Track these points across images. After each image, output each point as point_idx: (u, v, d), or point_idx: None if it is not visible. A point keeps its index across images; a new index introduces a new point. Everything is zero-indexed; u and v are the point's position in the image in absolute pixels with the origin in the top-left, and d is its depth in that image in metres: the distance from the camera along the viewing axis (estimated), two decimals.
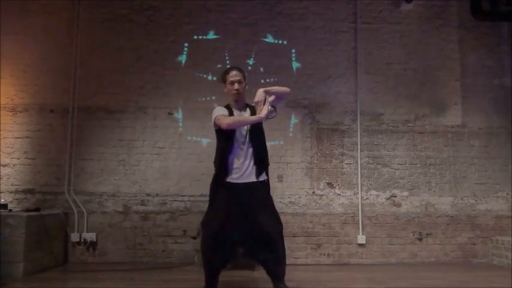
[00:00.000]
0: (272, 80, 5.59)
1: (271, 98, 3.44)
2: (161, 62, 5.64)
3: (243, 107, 3.59)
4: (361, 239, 5.44)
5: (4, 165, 5.42)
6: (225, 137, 3.47)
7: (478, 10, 5.70)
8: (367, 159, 5.63)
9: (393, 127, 5.70)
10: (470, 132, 5.74)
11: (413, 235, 5.51)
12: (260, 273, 4.66)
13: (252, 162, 3.47)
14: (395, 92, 5.76)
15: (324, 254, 5.42)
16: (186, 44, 5.64)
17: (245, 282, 4.34)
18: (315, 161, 5.59)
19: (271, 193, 3.62)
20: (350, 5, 5.84)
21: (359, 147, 5.62)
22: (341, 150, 5.63)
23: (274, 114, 3.46)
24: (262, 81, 5.53)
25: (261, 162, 3.51)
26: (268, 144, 3.69)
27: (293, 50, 5.69)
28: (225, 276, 4.59)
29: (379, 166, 5.63)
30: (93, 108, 5.55)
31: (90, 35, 5.64)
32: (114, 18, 5.67)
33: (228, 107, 3.56)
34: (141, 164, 5.50)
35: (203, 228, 3.54)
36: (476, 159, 5.70)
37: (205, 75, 5.64)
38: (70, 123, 5.48)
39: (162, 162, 5.51)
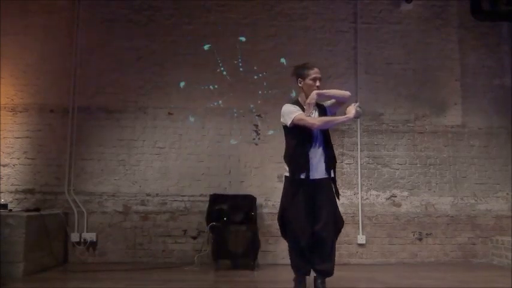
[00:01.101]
0: (273, 79, 5.61)
1: (331, 101, 3.58)
2: (161, 62, 5.63)
3: (314, 104, 3.59)
4: (361, 239, 5.44)
5: (4, 165, 5.42)
6: (302, 135, 3.47)
7: (478, 10, 5.69)
8: (367, 159, 5.63)
9: (393, 127, 5.70)
10: (470, 132, 5.74)
11: (413, 235, 5.51)
12: (260, 273, 4.67)
13: (323, 159, 3.50)
14: (395, 92, 5.76)
15: None
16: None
17: (245, 282, 4.34)
18: None
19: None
20: (350, 5, 5.83)
21: (359, 147, 5.61)
22: (341, 150, 5.63)
23: (361, 114, 3.55)
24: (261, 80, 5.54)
25: (332, 158, 3.57)
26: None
27: None
28: (225, 276, 4.60)
29: (379, 166, 5.63)
30: (93, 108, 5.55)
31: (90, 35, 5.64)
32: (114, 18, 5.67)
33: (297, 104, 3.57)
34: (141, 164, 5.50)
35: (288, 228, 3.53)
36: (476, 159, 5.70)
37: (205, 75, 5.63)
38: (70, 123, 5.48)
39: (162, 162, 5.51)
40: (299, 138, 3.49)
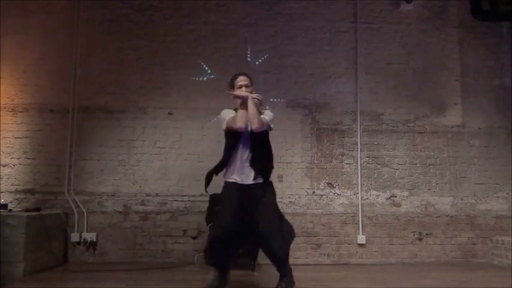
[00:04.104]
0: (273, 79, 5.62)
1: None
2: (161, 62, 5.64)
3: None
4: (361, 239, 5.44)
5: (4, 165, 5.42)
6: (231, 138, 3.58)
7: (478, 10, 5.69)
8: (367, 159, 5.63)
9: (393, 127, 5.70)
10: (470, 132, 5.74)
11: (413, 235, 5.51)
12: (260, 273, 4.67)
13: (251, 165, 3.53)
14: (395, 92, 5.76)
15: (324, 254, 5.42)
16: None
17: (245, 282, 4.34)
18: (315, 161, 5.59)
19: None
20: (350, 5, 5.83)
21: (359, 147, 5.61)
22: (341, 150, 5.63)
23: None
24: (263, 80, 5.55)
25: (259, 165, 3.54)
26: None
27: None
28: None
29: (379, 166, 5.63)
30: (93, 108, 5.55)
31: (90, 35, 5.64)
32: (114, 18, 5.67)
33: (235, 111, 3.64)
34: (141, 164, 5.50)
35: (212, 228, 3.64)
36: (476, 159, 5.70)
37: (205, 75, 5.63)
38: (70, 123, 5.48)
39: (162, 162, 5.51)
40: (228, 142, 3.63)
